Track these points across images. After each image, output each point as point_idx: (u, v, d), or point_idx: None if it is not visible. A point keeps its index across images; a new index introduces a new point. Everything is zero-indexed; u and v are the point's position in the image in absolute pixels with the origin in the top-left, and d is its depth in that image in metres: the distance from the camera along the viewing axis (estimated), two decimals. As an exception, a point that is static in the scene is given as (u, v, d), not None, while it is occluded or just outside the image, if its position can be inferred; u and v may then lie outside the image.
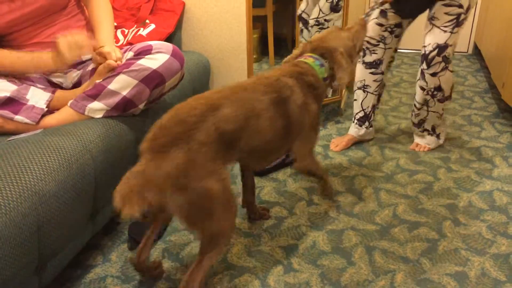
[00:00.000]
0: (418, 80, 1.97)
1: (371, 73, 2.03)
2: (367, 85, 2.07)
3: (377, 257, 1.46)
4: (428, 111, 2.02)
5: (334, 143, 2.16)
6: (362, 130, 2.16)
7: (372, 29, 1.95)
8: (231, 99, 1.18)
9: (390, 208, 1.70)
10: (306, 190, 1.82)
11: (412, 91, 2.82)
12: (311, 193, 1.80)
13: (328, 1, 2.22)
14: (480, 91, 2.78)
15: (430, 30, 1.86)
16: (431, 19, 1.85)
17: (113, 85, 1.39)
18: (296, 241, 1.53)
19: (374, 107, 2.14)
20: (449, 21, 1.80)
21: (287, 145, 1.36)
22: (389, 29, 1.95)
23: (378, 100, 2.15)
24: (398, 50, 3.83)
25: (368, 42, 1.98)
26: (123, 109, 1.42)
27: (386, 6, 1.91)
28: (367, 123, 2.15)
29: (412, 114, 2.11)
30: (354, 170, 1.91)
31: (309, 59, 1.45)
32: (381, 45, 1.97)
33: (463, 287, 1.33)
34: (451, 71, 1.91)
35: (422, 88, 1.96)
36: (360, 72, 2.06)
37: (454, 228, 1.59)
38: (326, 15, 2.27)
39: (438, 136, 2.11)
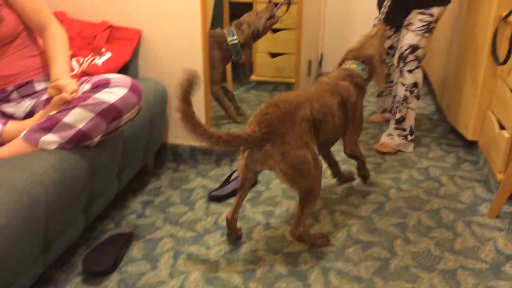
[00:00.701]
0: (398, 79, 2.33)
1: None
2: None
3: (332, 278, 1.50)
4: (407, 107, 2.32)
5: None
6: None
7: None
8: (317, 99, 1.59)
9: (345, 228, 1.75)
10: (264, 214, 1.85)
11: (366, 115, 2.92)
12: (269, 217, 1.83)
13: None
14: (428, 113, 2.93)
15: (405, 35, 2.26)
16: (406, 25, 2.26)
17: (68, 118, 1.38)
18: (253, 266, 1.55)
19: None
20: (421, 26, 2.22)
21: (342, 133, 1.80)
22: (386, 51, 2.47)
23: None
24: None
25: None
26: (77, 142, 1.41)
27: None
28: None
29: (393, 112, 2.42)
30: (310, 193, 1.96)
31: (352, 65, 1.84)
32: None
33: (413, 304, 1.38)
34: (421, 71, 2.31)
35: (403, 84, 2.31)
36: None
37: (404, 246, 1.65)
38: None
39: (412, 140, 2.38)
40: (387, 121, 2.71)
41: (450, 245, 1.66)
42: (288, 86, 3.38)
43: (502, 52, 1.88)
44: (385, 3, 2.18)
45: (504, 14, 1.90)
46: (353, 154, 1.90)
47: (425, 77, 3.79)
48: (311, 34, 3.29)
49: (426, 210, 1.87)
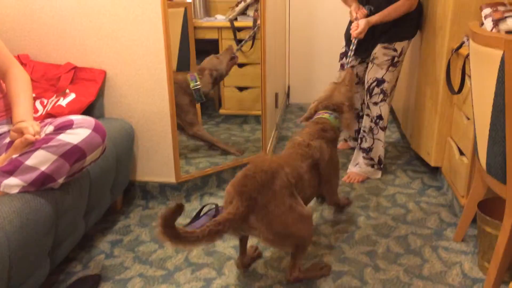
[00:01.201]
0: (365, 110, 2.43)
1: None
2: None
3: (304, 310, 1.49)
4: (373, 138, 2.39)
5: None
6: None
7: None
8: (289, 163, 1.60)
9: (316, 259, 1.76)
10: (235, 248, 1.84)
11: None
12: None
13: None
14: (393, 141, 3.02)
15: (371, 68, 2.34)
16: (372, 59, 2.34)
17: (31, 161, 1.37)
18: (225, 303, 1.54)
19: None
20: (385, 60, 2.30)
21: (320, 189, 1.81)
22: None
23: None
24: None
25: None
26: (41, 185, 1.39)
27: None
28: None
29: (360, 141, 2.46)
30: (281, 225, 1.96)
31: (326, 115, 1.85)
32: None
33: (385, 332, 1.39)
34: (388, 105, 2.39)
35: (368, 115, 2.41)
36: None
37: (374, 274, 1.67)
38: None
39: (379, 168, 2.44)
40: (352, 148, 2.78)
41: (418, 271, 1.68)
42: (257, 119, 3.42)
43: (457, 82, 1.98)
44: (351, 46, 2.27)
45: (456, 46, 2.02)
46: (336, 203, 2.00)
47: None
48: (276, 68, 3.36)
49: (394, 237, 1.90)
